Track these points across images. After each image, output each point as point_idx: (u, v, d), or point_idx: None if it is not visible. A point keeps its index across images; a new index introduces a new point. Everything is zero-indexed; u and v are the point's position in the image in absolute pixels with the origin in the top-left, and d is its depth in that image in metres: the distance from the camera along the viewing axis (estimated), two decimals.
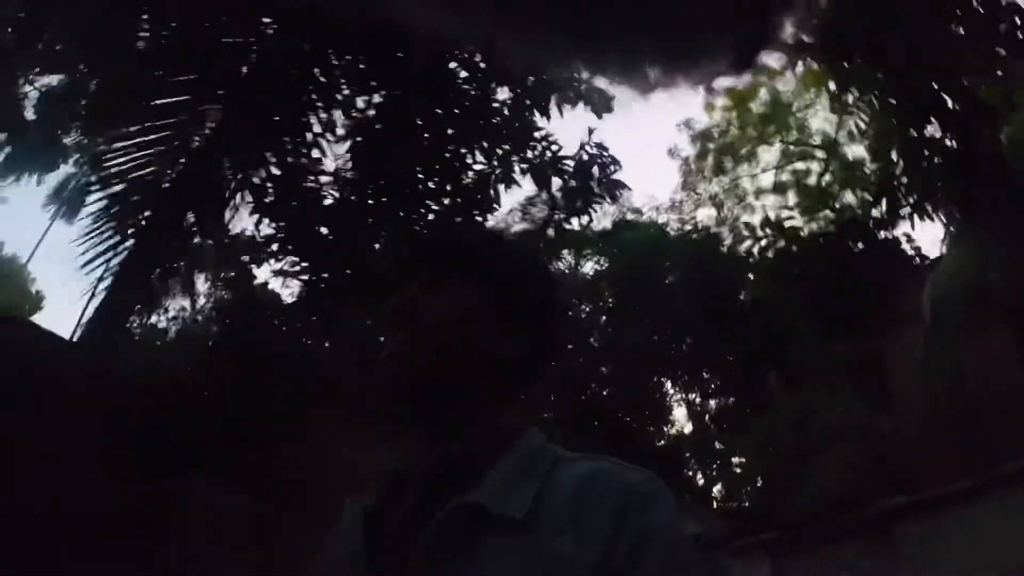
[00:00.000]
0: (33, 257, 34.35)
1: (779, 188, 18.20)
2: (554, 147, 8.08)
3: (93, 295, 6.57)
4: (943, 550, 8.31)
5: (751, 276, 14.37)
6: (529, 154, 7.84)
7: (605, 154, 8.46)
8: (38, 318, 24.53)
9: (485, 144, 7.44)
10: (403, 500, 1.00)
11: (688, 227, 18.76)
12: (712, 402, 19.53)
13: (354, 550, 1.00)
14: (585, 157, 7.77)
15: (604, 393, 17.86)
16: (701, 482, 19.45)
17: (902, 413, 10.33)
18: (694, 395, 19.69)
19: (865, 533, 9.48)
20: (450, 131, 7.36)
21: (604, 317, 17.05)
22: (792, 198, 17.21)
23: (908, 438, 10.32)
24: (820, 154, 16.89)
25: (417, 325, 1.01)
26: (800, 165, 18.89)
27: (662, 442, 18.57)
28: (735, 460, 17.89)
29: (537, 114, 8.51)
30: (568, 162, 8.02)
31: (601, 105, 8.73)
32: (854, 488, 10.40)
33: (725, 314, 14.54)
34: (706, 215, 20.46)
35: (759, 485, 14.28)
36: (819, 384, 10.91)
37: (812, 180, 17.10)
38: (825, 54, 8.89)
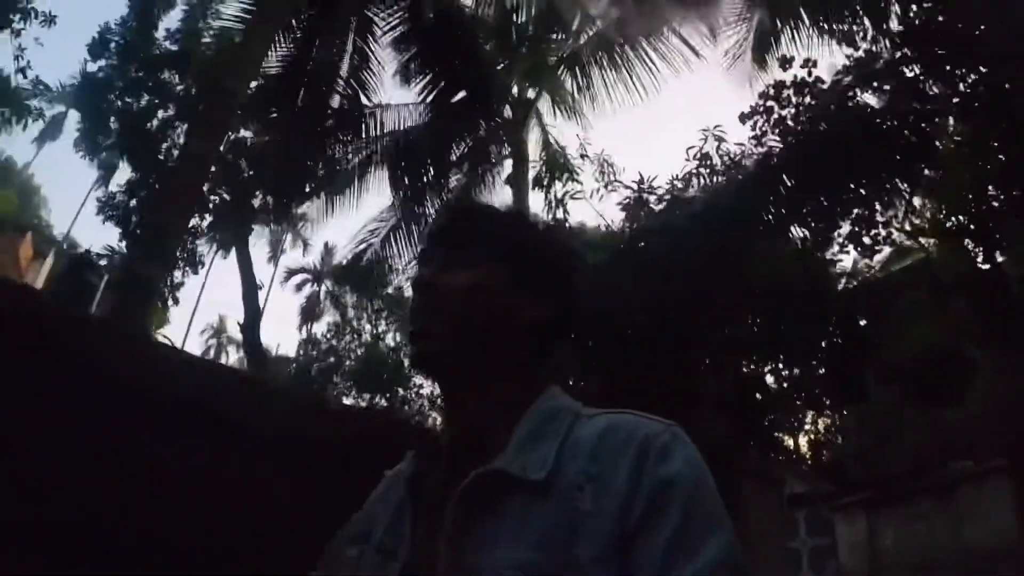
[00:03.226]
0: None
1: None
2: None
3: None
4: (995, 509, 9.96)
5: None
6: None
7: None
8: None
9: None
10: (438, 466, 1.01)
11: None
12: (797, 370, 21.53)
13: (389, 521, 1.03)
14: None
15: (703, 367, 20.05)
16: (786, 441, 21.71)
17: (969, 406, 11.62)
18: (780, 365, 21.74)
19: (936, 493, 11.28)
20: None
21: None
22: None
23: (972, 425, 12.09)
24: None
25: (438, 299, 1.01)
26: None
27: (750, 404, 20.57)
28: (820, 425, 20.14)
29: None
30: None
31: None
32: (929, 459, 12.62)
33: (820, 313, 16.54)
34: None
35: (850, 454, 16.24)
36: (904, 379, 13.13)
37: None
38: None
